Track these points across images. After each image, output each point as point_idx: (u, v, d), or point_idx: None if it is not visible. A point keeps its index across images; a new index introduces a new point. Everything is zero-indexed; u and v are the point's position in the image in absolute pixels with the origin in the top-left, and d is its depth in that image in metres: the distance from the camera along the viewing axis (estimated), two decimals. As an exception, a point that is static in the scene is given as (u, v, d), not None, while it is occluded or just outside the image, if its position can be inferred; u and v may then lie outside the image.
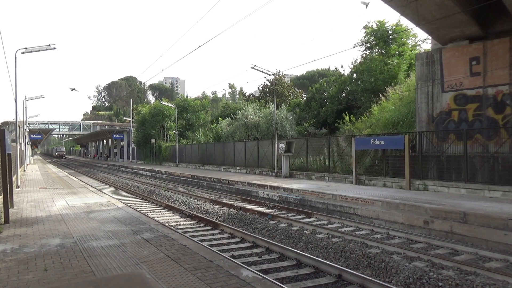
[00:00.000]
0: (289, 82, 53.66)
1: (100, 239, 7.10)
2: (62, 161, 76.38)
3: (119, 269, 5.38)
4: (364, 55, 28.95)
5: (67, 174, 30.01)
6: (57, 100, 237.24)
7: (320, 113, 29.38)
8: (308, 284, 6.16)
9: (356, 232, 9.76)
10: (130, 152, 54.98)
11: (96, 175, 33.26)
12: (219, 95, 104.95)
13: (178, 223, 11.25)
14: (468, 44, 14.37)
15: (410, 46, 26.16)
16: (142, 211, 12.63)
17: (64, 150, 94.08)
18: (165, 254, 6.13)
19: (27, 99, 32.27)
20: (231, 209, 13.38)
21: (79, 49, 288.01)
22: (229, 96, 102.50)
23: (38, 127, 57.61)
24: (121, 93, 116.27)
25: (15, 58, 17.06)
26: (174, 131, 40.65)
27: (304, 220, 11.28)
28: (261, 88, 45.56)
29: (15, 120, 20.97)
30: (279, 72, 40.10)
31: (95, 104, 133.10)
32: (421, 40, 26.66)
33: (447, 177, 13.70)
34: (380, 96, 22.16)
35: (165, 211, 13.71)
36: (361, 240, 8.71)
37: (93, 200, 12.83)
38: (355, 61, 30.58)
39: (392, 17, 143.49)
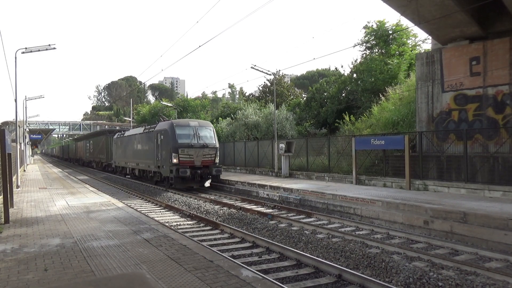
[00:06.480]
0: (289, 82, 53.66)
1: (100, 239, 7.10)
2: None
3: (119, 269, 5.37)
4: (364, 55, 28.99)
5: (67, 174, 30.01)
6: (57, 100, 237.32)
7: (320, 113, 29.38)
8: (308, 284, 6.16)
9: (356, 232, 9.76)
10: (130, 152, 54.77)
11: (96, 175, 33.25)
12: (219, 94, 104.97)
13: (178, 223, 11.25)
14: (468, 44, 14.37)
15: (410, 46, 26.18)
16: (142, 211, 12.63)
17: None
18: (165, 254, 6.13)
19: (27, 99, 32.29)
20: (231, 209, 13.37)
21: (79, 49, 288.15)
22: (229, 96, 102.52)
23: (38, 127, 57.56)
24: (121, 93, 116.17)
25: (15, 58, 17.08)
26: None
27: (304, 220, 11.27)
28: (261, 88, 45.56)
29: (15, 120, 20.97)
30: (279, 72, 40.06)
31: (95, 104, 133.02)
32: (421, 40, 26.71)
33: (447, 177, 13.70)
34: (380, 96, 22.16)
35: (165, 211, 13.71)
36: (361, 240, 8.71)
37: (93, 200, 12.82)
38: (355, 61, 30.62)
39: (392, 17, 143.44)
